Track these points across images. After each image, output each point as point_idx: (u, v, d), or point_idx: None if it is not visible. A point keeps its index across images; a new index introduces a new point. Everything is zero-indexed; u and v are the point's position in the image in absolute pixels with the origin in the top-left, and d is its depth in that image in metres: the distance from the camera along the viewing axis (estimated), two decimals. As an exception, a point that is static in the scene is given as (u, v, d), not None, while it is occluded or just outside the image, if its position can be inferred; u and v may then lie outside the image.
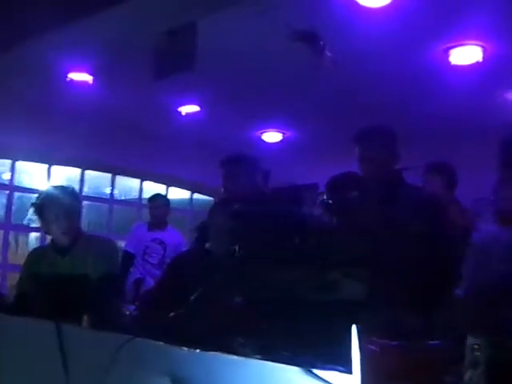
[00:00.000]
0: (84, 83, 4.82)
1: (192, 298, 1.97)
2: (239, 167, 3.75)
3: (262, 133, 6.63)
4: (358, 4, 3.12)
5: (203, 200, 8.31)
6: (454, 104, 4.40)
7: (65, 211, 3.08)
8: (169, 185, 8.10)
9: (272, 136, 6.70)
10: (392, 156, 2.99)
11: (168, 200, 6.32)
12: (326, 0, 3.17)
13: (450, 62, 3.82)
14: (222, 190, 3.82)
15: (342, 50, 3.84)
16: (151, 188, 7.91)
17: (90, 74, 4.78)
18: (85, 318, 2.39)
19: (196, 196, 8.47)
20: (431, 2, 3.31)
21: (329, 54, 3.37)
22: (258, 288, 1.79)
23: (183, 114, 5.73)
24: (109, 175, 7.78)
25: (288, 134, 6.67)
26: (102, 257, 3.06)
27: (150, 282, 6.00)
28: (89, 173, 7.59)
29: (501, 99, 4.55)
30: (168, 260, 6.12)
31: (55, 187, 3.29)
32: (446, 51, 3.78)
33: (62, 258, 3.13)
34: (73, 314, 2.46)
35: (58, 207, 3.08)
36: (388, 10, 3.27)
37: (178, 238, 6.11)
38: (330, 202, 2.70)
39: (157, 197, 6.30)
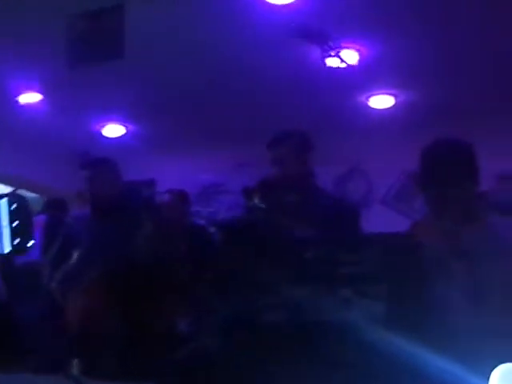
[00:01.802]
0: None
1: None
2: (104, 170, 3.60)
3: (102, 126, 6.23)
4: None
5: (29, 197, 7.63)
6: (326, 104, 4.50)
7: None
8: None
9: (114, 130, 6.34)
10: (302, 159, 3.02)
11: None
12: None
13: (325, 64, 3.89)
14: (89, 194, 3.63)
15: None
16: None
17: None
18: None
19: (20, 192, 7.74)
20: (313, 11, 3.34)
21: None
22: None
23: (21, 103, 5.17)
24: None
25: (130, 127, 6.36)
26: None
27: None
28: None
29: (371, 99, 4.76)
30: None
31: None
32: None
33: None
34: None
35: None
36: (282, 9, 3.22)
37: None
38: (264, 206, 2.57)
39: None
